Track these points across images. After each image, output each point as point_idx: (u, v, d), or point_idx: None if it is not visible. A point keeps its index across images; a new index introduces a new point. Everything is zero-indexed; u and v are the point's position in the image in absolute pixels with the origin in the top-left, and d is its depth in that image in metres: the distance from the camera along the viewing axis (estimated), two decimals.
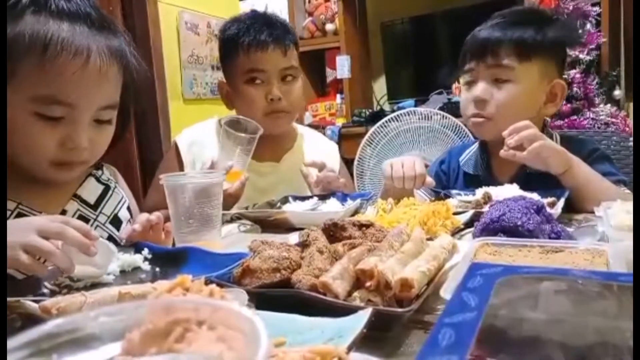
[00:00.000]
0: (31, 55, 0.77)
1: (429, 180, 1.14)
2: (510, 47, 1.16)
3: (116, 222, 0.96)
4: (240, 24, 1.35)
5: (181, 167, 1.37)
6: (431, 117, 2.28)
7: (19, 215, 0.83)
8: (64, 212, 0.89)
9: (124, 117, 0.94)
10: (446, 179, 1.35)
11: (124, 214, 0.98)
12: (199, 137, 1.42)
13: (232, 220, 1.17)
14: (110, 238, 0.93)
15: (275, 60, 1.33)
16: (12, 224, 0.68)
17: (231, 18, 1.41)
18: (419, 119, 2.30)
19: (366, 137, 2.37)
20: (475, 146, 1.34)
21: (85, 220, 0.91)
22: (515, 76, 1.16)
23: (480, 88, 1.19)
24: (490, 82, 1.19)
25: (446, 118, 2.23)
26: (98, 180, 0.97)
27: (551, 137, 1.21)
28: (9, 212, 0.83)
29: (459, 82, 3.01)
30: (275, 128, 1.38)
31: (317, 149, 1.51)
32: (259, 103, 1.33)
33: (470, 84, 1.23)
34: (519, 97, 1.17)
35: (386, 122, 2.34)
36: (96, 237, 0.70)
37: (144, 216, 0.87)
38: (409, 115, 2.33)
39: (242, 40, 1.31)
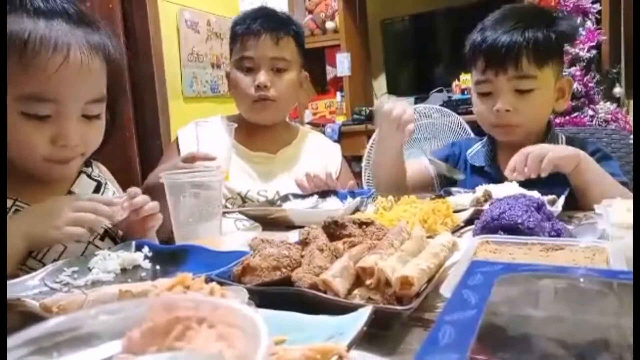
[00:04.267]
0: (11, 54, 0.76)
1: (411, 127, 1.15)
2: (530, 55, 1.12)
3: None
4: (242, 15, 1.43)
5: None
6: (431, 115, 2.29)
7: (17, 212, 0.84)
8: None
9: (112, 112, 0.94)
10: (455, 164, 1.35)
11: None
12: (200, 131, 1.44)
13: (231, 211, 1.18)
14: (107, 233, 0.93)
15: (265, 49, 1.36)
16: (38, 208, 0.78)
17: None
18: (418, 117, 2.30)
19: (372, 138, 2.37)
20: (483, 140, 1.35)
21: None
22: (537, 84, 1.15)
23: (502, 101, 1.15)
24: (512, 93, 1.15)
25: (446, 116, 2.24)
26: (89, 177, 0.98)
27: (557, 138, 1.23)
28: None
29: (458, 80, 3.01)
30: (261, 117, 1.41)
31: (319, 149, 1.51)
32: (247, 89, 1.37)
33: (487, 95, 1.19)
34: (542, 102, 1.18)
35: None
36: (118, 203, 0.83)
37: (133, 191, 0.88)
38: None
39: (237, 29, 1.39)
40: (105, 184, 1.00)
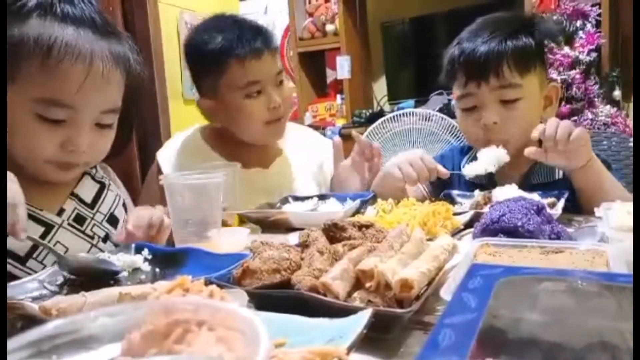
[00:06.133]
0: (35, 57, 0.78)
1: (443, 170, 1.10)
2: (511, 62, 1.07)
3: (113, 220, 0.97)
4: (226, 34, 1.22)
5: None
6: (430, 118, 2.28)
7: None
8: (62, 211, 0.89)
9: (127, 124, 0.95)
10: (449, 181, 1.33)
11: (120, 212, 0.99)
12: (179, 147, 1.36)
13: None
14: (108, 237, 0.93)
15: (269, 67, 1.25)
16: None
17: (197, 29, 1.30)
18: (418, 119, 2.30)
19: (364, 135, 2.37)
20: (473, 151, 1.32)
21: (83, 218, 0.91)
22: (523, 93, 1.10)
23: (488, 113, 1.10)
24: (498, 104, 1.10)
25: (445, 119, 2.23)
26: (93, 178, 0.98)
27: None
28: None
29: None
30: (276, 136, 1.34)
31: (307, 147, 1.46)
32: (261, 114, 1.26)
33: (471, 109, 1.14)
34: (530, 112, 1.13)
35: (384, 122, 2.34)
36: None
37: (143, 218, 0.86)
38: (407, 115, 2.33)
39: (236, 53, 1.20)
40: (109, 185, 1.00)
